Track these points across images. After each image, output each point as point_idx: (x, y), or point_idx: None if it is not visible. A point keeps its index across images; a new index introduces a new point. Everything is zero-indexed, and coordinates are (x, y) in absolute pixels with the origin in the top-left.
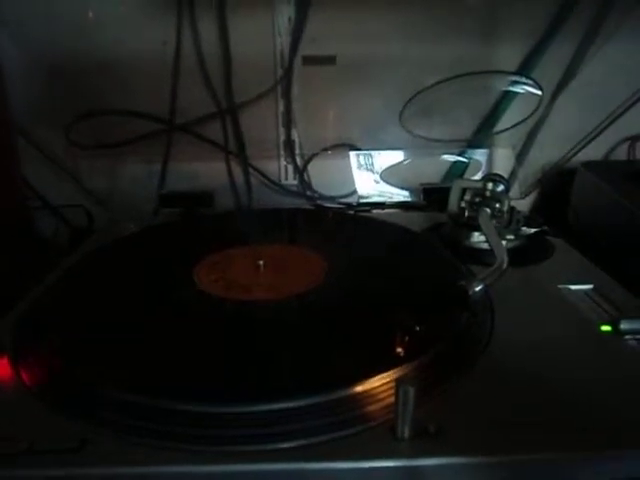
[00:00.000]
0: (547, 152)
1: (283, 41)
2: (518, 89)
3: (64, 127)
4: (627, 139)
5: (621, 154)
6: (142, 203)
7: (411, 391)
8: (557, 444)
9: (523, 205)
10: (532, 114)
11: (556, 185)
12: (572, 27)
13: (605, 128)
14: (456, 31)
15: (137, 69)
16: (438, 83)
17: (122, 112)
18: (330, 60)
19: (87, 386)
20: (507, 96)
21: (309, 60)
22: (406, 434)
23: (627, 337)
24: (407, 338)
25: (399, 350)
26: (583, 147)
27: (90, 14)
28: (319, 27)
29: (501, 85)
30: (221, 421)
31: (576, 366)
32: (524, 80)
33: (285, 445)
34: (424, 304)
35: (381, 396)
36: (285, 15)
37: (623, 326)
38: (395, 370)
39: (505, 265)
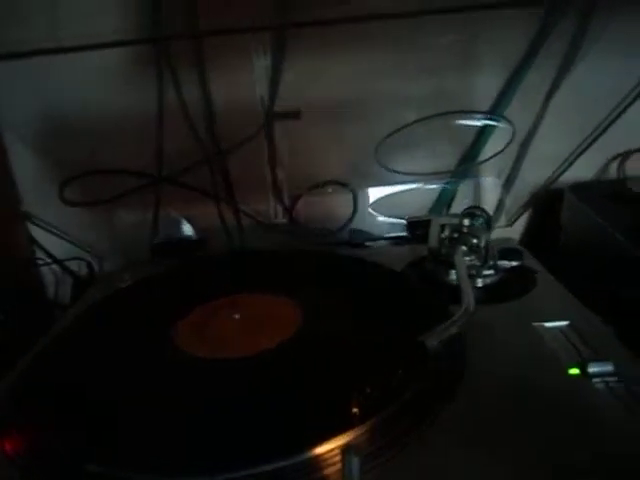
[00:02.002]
0: (534, 177)
1: (262, 88)
2: (493, 124)
3: (58, 186)
4: (617, 156)
5: (613, 171)
6: (137, 253)
7: (356, 461)
8: None
9: (513, 231)
10: (505, 147)
11: (546, 208)
12: (545, 56)
13: (587, 148)
14: (433, 68)
15: (123, 128)
16: (414, 122)
17: (111, 170)
18: (295, 115)
19: (63, 460)
20: (486, 129)
21: (278, 115)
22: None
23: (595, 380)
24: (360, 400)
25: (353, 412)
26: (565, 170)
27: (75, 81)
28: (296, 73)
29: (477, 120)
30: None
31: (539, 413)
32: (495, 118)
33: None
34: (382, 362)
35: (332, 461)
36: (262, 65)
37: (591, 369)
38: (346, 434)
39: (471, 310)
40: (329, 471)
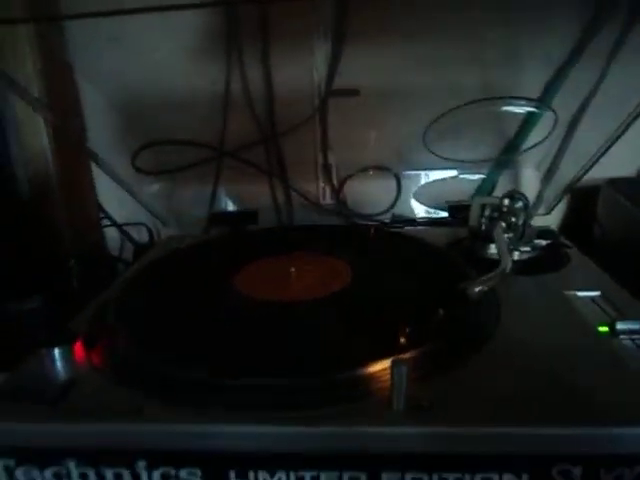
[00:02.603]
0: (573, 170)
1: (320, 75)
2: (536, 112)
3: (131, 155)
4: None
5: None
6: (195, 221)
7: (404, 370)
8: (537, 418)
9: (550, 221)
10: (547, 136)
11: (583, 202)
12: (592, 53)
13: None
14: (480, 60)
15: (192, 104)
16: (461, 106)
17: (179, 141)
18: (353, 92)
19: (142, 364)
20: (530, 119)
21: (334, 93)
22: (401, 407)
23: (622, 337)
24: (410, 331)
25: (402, 341)
26: (593, 164)
27: (153, 61)
28: (352, 62)
29: (521, 109)
30: (259, 392)
31: (571, 359)
32: (539, 105)
33: (310, 413)
34: (428, 304)
35: (384, 377)
36: (322, 52)
37: (619, 327)
38: (396, 357)
39: (507, 270)
40: (384, 385)
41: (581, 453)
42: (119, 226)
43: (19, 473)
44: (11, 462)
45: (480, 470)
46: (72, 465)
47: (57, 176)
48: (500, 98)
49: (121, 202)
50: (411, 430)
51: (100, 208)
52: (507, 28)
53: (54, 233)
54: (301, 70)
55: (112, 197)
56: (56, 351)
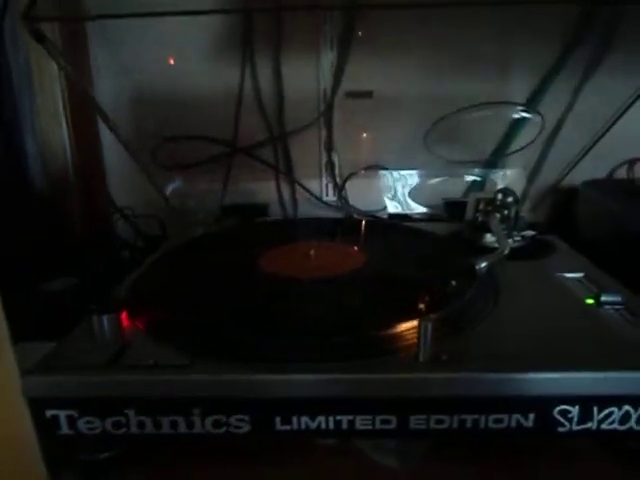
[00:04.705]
0: (555, 172)
1: (326, 80)
2: (524, 116)
3: (151, 149)
4: (626, 162)
5: (622, 174)
6: (208, 213)
7: (429, 325)
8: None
9: (534, 218)
10: (534, 139)
11: (564, 201)
12: (574, 64)
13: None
14: (473, 71)
15: (207, 104)
16: (458, 111)
17: (194, 137)
18: (367, 94)
19: (190, 325)
20: (517, 124)
21: (351, 94)
22: (426, 358)
23: (607, 307)
24: (430, 298)
25: (423, 306)
26: (573, 167)
27: (171, 61)
28: (356, 69)
29: (510, 114)
30: (305, 348)
31: (562, 324)
32: (528, 110)
33: (347, 364)
34: (443, 276)
35: (410, 336)
36: (328, 59)
37: (603, 298)
38: (420, 319)
39: (506, 251)
40: (409, 343)
41: (578, 395)
42: (133, 217)
43: (80, 423)
44: (75, 413)
45: (493, 412)
46: (131, 414)
47: (73, 169)
48: (493, 103)
49: (135, 196)
50: (433, 376)
51: (111, 200)
52: (498, 42)
53: (72, 223)
54: (309, 75)
55: (124, 189)
56: (105, 318)
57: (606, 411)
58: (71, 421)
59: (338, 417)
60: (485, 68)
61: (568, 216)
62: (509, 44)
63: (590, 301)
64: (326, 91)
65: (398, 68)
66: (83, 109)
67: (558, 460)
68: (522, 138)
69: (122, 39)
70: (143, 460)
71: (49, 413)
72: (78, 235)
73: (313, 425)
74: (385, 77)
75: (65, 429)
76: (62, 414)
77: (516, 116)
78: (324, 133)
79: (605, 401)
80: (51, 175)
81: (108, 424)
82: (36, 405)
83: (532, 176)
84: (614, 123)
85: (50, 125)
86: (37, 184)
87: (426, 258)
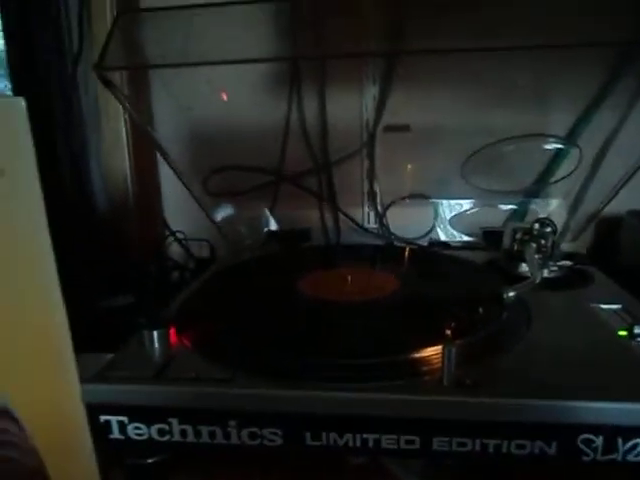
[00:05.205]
0: (596, 202)
1: (368, 113)
2: (564, 148)
3: (202, 179)
4: None
5: None
6: (254, 238)
7: (453, 350)
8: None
9: (577, 248)
10: (574, 170)
11: (607, 230)
12: (616, 97)
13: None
14: (512, 102)
15: (255, 136)
16: (495, 143)
17: (244, 167)
18: (405, 128)
19: (232, 343)
20: (558, 155)
21: (389, 128)
22: (450, 383)
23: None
24: (455, 325)
25: (449, 332)
26: (613, 197)
27: (224, 97)
28: (398, 102)
29: (547, 146)
30: (335, 369)
31: (590, 354)
32: (564, 142)
33: (374, 385)
34: (471, 303)
35: (436, 360)
36: (371, 93)
37: (637, 330)
38: (444, 344)
39: (537, 281)
40: (435, 367)
41: (602, 424)
42: (184, 240)
43: (130, 428)
44: (125, 419)
45: (515, 437)
46: (174, 423)
47: (133, 196)
48: (531, 135)
49: (185, 220)
50: (456, 400)
51: (166, 225)
52: (537, 73)
53: (131, 245)
54: (352, 108)
55: (178, 215)
56: (155, 333)
57: (631, 442)
58: (121, 426)
59: (365, 435)
60: (523, 100)
61: (611, 246)
62: (548, 75)
63: (623, 332)
64: (369, 122)
65: (436, 101)
66: (143, 143)
67: None
68: (563, 169)
69: (179, 81)
70: (185, 467)
71: (103, 418)
72: (136, 256)
73: (341, 442)
74: (424, 110)
75: (116, 433)
76: (114, 419)
77: (553, 148)
78: (366, 163)
79: (630, 432)
80: (113, 201)
81: (153, 431)
82: (91, 410)
83: (573, 206)
84: None
85: (113, 157)
86: (100, 209)
87: (458, 286)
